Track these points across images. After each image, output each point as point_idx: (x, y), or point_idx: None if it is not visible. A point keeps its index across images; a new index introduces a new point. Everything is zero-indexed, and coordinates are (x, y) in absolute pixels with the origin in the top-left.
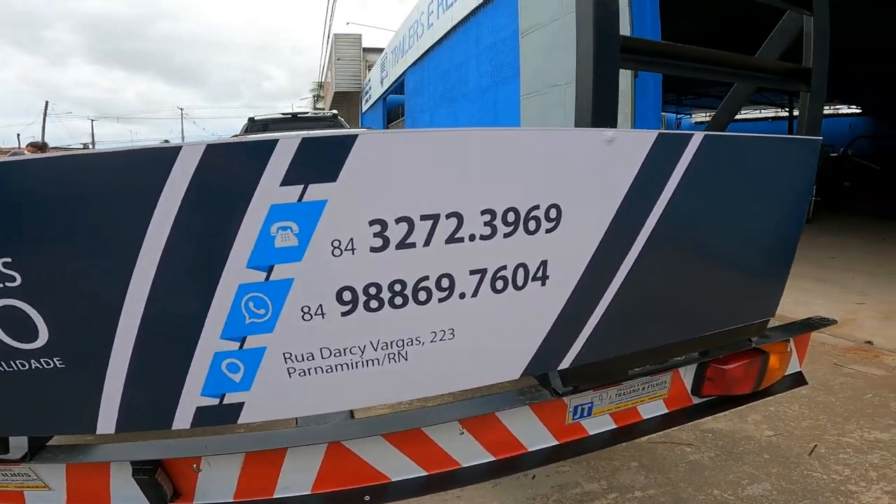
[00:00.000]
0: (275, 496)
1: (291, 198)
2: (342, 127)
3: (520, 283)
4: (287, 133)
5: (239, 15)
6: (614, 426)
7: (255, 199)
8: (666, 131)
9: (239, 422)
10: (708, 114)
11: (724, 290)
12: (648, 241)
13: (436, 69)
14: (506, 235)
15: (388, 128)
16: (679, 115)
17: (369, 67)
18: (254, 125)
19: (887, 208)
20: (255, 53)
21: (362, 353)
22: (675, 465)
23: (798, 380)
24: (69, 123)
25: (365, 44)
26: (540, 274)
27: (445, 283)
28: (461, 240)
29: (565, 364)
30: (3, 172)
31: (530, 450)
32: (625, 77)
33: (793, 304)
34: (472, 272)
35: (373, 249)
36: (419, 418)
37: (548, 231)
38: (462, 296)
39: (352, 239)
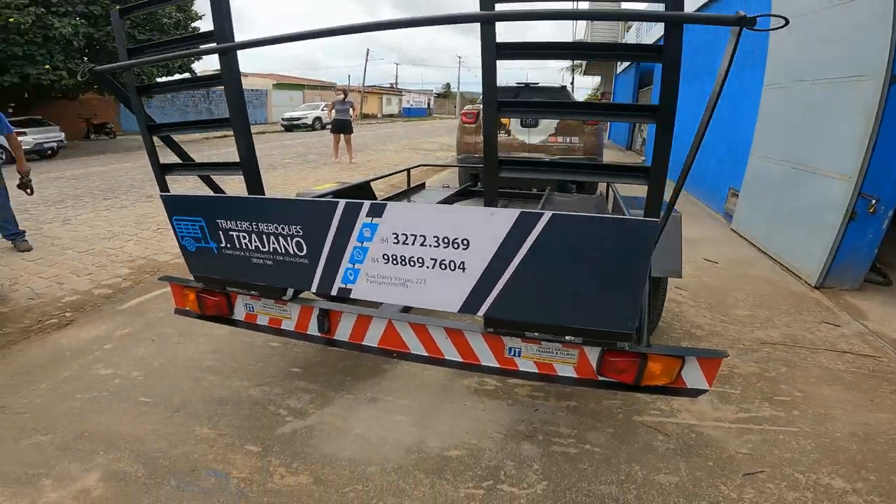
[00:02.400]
0: (363, 343)
1: (368, 221)
2: (569, 97)
3: (452, 268)
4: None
5: None
6: (536, 370)
7: (357, 221)
8: (528, 210)
9: (350, 297)
10: None
11: (577, 303)
12: (518, 265)
13: (686, 43)
14: (444, 247)
15: (638, 93)
16: None
17: (628, 28)
18: None
19: None
20: None
21: (391, 280)
22: (634, 441)
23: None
24: (381, 67)
25: (626, 4)
26: (461, 266)
27: (421, 261)
28: (427, 245)
29: (480, 313)
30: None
31: (482, 363)
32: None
33: None
34: (432, 259)
35: (394, 243)
36: (426, 322)
37: (464, 249)
38: (429, 267)
39: (387, 237)
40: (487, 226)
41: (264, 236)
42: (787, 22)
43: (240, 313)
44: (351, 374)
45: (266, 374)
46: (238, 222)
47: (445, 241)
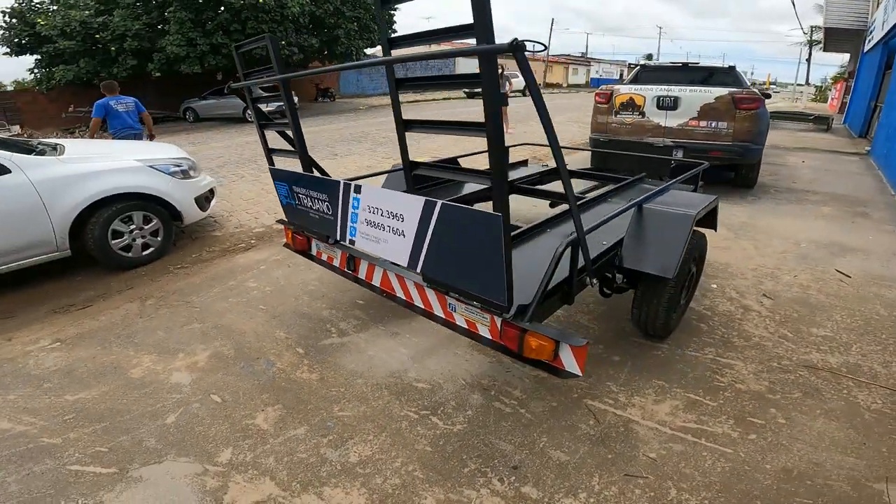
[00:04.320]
0: (371, 282)
1: (356, 196)
2: (739, 82)
3: (398, 233)
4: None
5: None
6: (466, 326)
7: (350, 195)
8: (430, 199)
9: (354, 247)
10: None
11: (469, 273)
12: (431, 238)
13: None
14: (392, 218)
15: (883, 75)
16: None
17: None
18: (645, 70)
19: None
20: None
21: (371, 238)
22: (566, 419)
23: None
24: (575, 36)
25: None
26: (402, 233)
27: (383, 226)
28: (384, 216)
29: (418, 270)
30: None
31: (435, 313)
32: None
33: None
34: (388, 225)
35: (369, 213)
36: (405, 274)
37: (401, 221)
38: (387, 231)
39: (366, 208)
40: (410, 207)
41: (313, 199)
42: (546, 48)
43: (314, 250)
44: (393, 312)
45: (340, 301)
46: (301, 188)
47: (392, 214)
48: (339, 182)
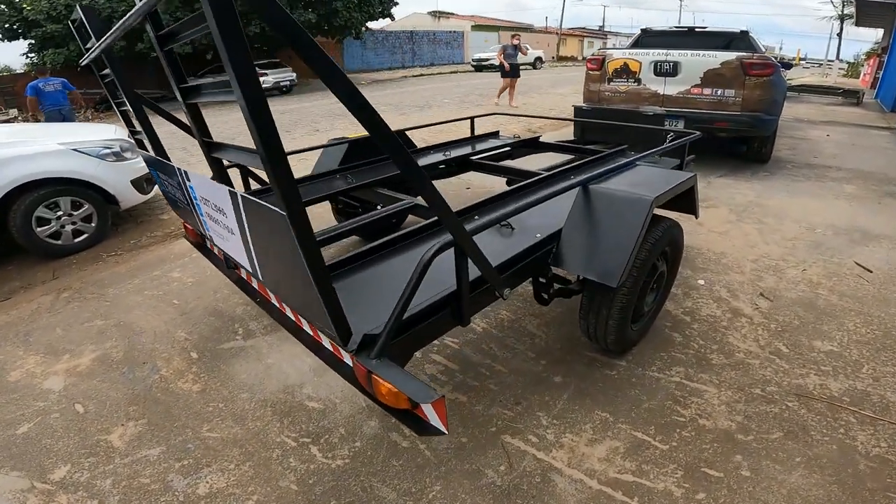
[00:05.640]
0: (251, 283)
1: (189, 184)
2: (751, 46)
3: (230, 231)
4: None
5: None
6: (332, 351)
7: (186, 183)
8: (233, 190)
9: (209, 245)
10: None
11: (292, 290)
12: (251, 240)
13: None
14: (219, 212)
15: None
16: None
17: None
18: (646, 35)
19: None
20: None
21: (219, 234)
22: (472, 461)
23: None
24: (593, 9)
25: None
26: (232, 231)
27: (217, 221)
28: (214, 209)
29: (261, 279)
30: None
31: (304, 328)
32: None
33: None
34: (221, 222)
35: (204, 204)
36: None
37: (225, 217)
38: (224, 228)
39: (200, 199)
40: (224, 200)
41: (172, 186)
42: None
43: (209, 243)
44: None
45: None
46: (163, 174)
47: (217, 208)
48: (176, 168)
